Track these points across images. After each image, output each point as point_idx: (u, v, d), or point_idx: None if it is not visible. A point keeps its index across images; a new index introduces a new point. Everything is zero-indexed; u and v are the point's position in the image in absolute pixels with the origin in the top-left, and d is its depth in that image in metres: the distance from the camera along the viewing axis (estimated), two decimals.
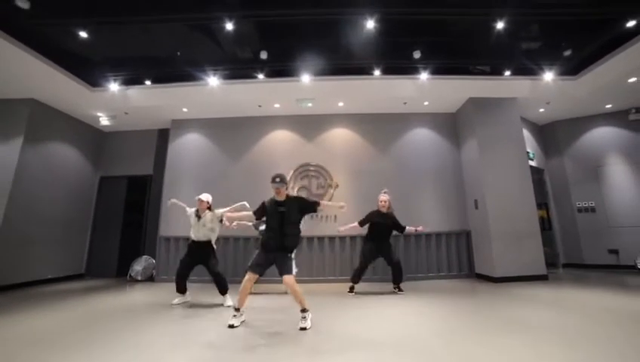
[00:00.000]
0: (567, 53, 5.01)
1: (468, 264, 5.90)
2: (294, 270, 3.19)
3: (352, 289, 4.58)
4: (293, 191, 6.18)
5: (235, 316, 3.00)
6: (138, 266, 6.17)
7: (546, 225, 6.51)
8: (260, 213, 3.16)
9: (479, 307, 3.60)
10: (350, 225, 4.48)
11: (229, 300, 3.84)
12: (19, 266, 5.27)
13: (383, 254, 4.50)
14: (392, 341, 2.50)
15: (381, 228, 4.45)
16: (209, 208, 4.06)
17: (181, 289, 4.01)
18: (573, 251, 6.66)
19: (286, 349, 2.39)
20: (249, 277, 2.98)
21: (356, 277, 4.57)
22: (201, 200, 4.01)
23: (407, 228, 4.49)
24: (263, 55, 4.86)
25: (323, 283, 5.57)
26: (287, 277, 2.95)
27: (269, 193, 6.09)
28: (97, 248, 6.76)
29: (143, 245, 6.68)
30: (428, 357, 2.15)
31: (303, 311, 2.94)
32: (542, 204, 6.54)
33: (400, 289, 4.53)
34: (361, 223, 4.48)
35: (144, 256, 6.34)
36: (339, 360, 2.16)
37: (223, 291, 3.93)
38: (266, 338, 2.62)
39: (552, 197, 7.05)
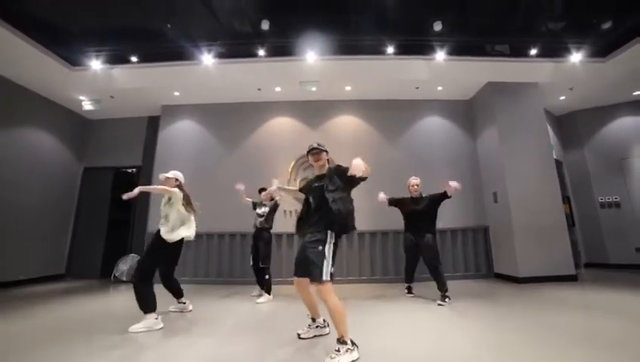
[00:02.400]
0: (605, 26, 4.50)
1: (486, 263, 5.40)
2: (328, 271, 2.05)
3: (409, 290, 4.04)
4: (295, 183, 5.64)
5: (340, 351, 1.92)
6: (124, 265, 5.58)
7: (569, 221, 6.03)
8: (302, 189, 2.63)
9: (512, 313, 3.08)
10: (382, 197, 3.94)
11: (142, 324, 2.68)
12: None
13: (421, 250, 3.78)
14: (428, 354, 1.97)
15: (415, 216, 3.83)
16: (178, 187, 3.12)
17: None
18: (595, 250, 6.19)
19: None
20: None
21: (407, 276, 4.05)
22: (167, 179, 3.12)
23: (449, 188, 3.59)
24: (265, 26, 4.31)
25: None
26: (317, 287, 2.05)
27: (267, 185, 5.56)
28: (80, 246, 6.16)
29: (130, 243, 6.10)
30: None
31: (341, 341, 1.95)
32: (564, 197, 6.06)
33: (443, 299, 3.52)
34: (390, 201, 3.99)
35: (131, 255, 5.75)
36: None
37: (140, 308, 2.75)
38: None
39: (572, 192, 6.58)
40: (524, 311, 3.14)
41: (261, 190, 4.25)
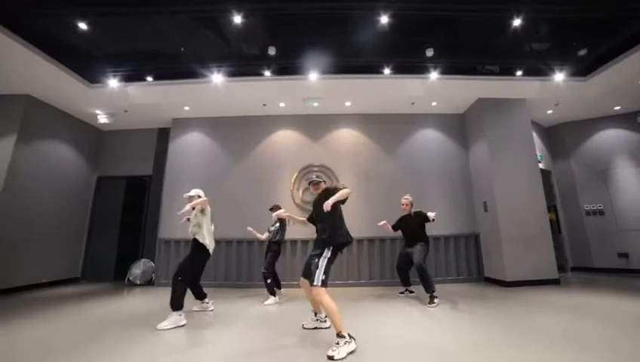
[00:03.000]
0: (581, 53, 4.93)
1: (477, 268, 5.77)
2: (320, 276, 2.48)
3: (402, 291, 4.64)
4: (298, 193, 6.02)
5: (339, 344, 2.28)
6: (137, 270, 5.94)
7: (555, 227, 6.41)
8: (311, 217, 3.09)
9: (497, 314, 3.43)
10: (384, 223, 4.48)
11: (171, 320, 3.07)
12: (11, 269, 5.01)
13: (411, 253, 4.29)
14: (418, 349, 2.33)
15: (408, 231, 4.49)
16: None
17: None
18: (581, 255, 6.57)
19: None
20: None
21: (401, 280, 4.59)
22: (190, 197, 3.56)
23: (428, 213, 4.19)
24: (271, 51, 4.71)
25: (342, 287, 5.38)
26: (312, 289, 2.50)
27: (272, 194, 5.95)
28: (94, 251, 6.51)
29: (141, 248, 6.45)
30: None
31: (339, 335, 2.31)
32: (550, 206, 6.44)
33: (432, 300, 3.85)
34: (393, 227, 4.59)
35: (143, 260, 6.11)
36: None
37: (171, 305, 3.14)
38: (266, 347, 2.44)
39: (560, 200, 6.96)
40: (509, 311, 3.50)
41: (272, 209, 4.66)
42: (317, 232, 2.78)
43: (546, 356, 2.18)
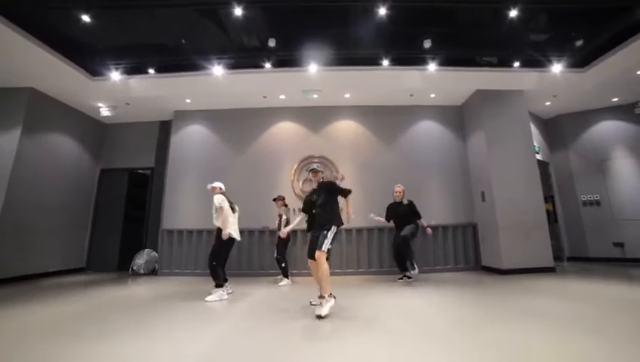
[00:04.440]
0: (578, 43, 4.96)
1: (474, 256, 5.87)
2: (327, 245, 2.96)
3: (401, 277, 4.85)
4: (298, 184, 6.11)
5: (322, 304, 2.86)
6: (140, 260, 6.06)
7: (552, 217, 6.50)
8: (305, 206, 3.38)
9: (491, 297, 3.55)
10: (379, 219, 4.92)
11: (216, 295, 3.69)
12: (18, 259, 5.14)
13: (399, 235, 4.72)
14: (410, 329, 2.44)
15: (398, 217, 4.82)
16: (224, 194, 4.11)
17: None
18: (578, 244, 6.67)
19: (298, 334, 2.32)
20: (310, 263, 3.13)
21: (398, 266, 4.88)
22: (212, 188, 4.12)
23: (422, 221, 4.83)
24: (271, 43, 4.76)
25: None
26: (317, 253, 2.92)
27: (272, 186, 6.05)
28: (98, 241, 6.63)
29: (145, 238, 6.57)
30: (449, 344, 2.09)
31: (322, 296, 2.85)
32: (548, 197, 6.52)
33: (406, 276, 4.74)
34: (386, 218, 4.95)
35: (146, 250, 6.23)
36: (357, 342, 2.10)
37: (216, 284, 3.79)
38: (270, 325, 2.55)
39: (557, 191, 7.04)
40: (501, 295, 3.61)
41: (275, 199, 5.23)
42: (317, 217, 3.15)
43: (532, 334, 2.28)
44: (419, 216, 4.81)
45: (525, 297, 3.49)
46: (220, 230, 3.82)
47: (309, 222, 3.29)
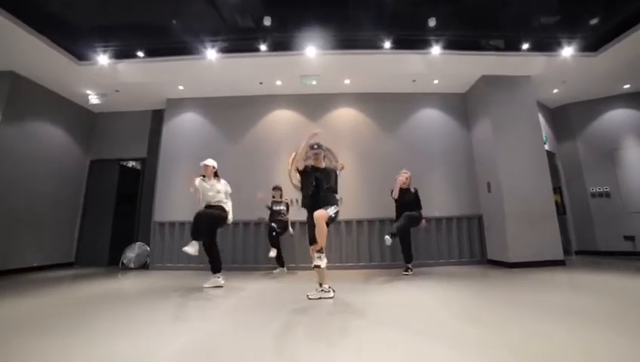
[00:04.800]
0: (593, 22, 4.67)
1: (480, 249, 5.62)
2: (332, 209, 2.98)
3: (406, 269, 4.63)
4: (296, 174, 5.82)
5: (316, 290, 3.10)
6: (131, 253, 5.81)
7: (560, 209, 6.24)
8: (303, 172, 3.26)
9: (500, 292, 3.29)
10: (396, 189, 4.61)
11: (218, 280, 3.82)
12: (2, 253, 4.88)
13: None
14: (420, 326, 2.19)
15: (405, 204, 4.57)
16: (216, 175, 4.10)
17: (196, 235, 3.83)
18: (586, 238, 6.42)
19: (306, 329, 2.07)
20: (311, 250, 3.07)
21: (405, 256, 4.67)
22: (206, 165, 4.03)
23: (422, 212, 4.63)
24: (267, 22, 4.47)
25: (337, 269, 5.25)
26: (318, 211, 2.88)
27: (269, 175, 5.79)
28: (88, 235, 6.37)
29: (136, 231, 6.32)
30: (462, 341, 1.85)
31: (320, 250, 2.86)
32: (555, 188, 6.26)
33: (409, 269, 4.62)
34: (396, 200, 4.68)
35: (137, 243, 5.98)
36: (368, 340, 1.85)
37: (216, 269, 3.86)
38: (268, 321, 2.30)
39: (565, 182, 6.79)
40: (508, 288, 3.36)
41: (275, 188, 5.25)
42: (320, 191, 3.10)
43: (541, 327, 2.03)
44: (420, 207, 4.63)
45: (538, 292, 3.24)
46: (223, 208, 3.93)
47: (311, 196, 3.13)
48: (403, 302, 2.89)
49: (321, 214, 2.87)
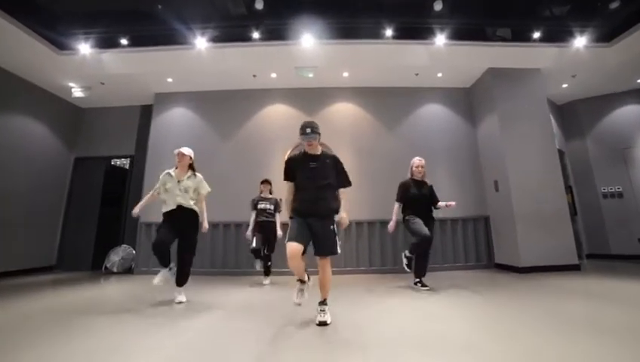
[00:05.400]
0: (613, 5, 4.34)
1: (487, 253, 5.29)
2: (338, 246, 2.33)
3: (421, 284, 3.54)
4: None
5: (301, 291, 2.39)
6: (115, 256, 5.44)
7: (572, 210, 5.92)
8: (288, 174, 2.45)
9: (516, 301, 2.94)
10: (394, 215, 3.63)
11: (184, 295, 3.10)
12: None
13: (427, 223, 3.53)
14: (431, 342, 1.85)
15: (419, 201, 3.54)
16: (192, 167, 3.24)
17: (165, 261, 3.00)
18: (598, 240, 6.09)
19: (304, 344, 1.72)
20: (291, 249, 2.17)
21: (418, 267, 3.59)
22: (181, 154, 3.15)
23: (440, 203, 3.60)
24: (259, 5, 4.14)
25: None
26: (325, 260, 2.31)
27: (263, 173, 5.37)
28: (70, 237, 6.00)
29: (122, 233, 5.95)
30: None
31: (324, 302, 2.32)
32: (567, 187, 5.93)
33: (422, 284, 3.53)
34: (399, 200, 3.63)
35: (123, 246, 5.62)
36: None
37: (181, 282, 3.09)
38: (268, 336, 1.95)
39: (574, 182, 6.46)
40: (527, 298, 3.01)
41: (263, 182, 4.38)
42: (318, 199, 2.32)
43: (573, 346, 1.70)
44: (437, 201, 3.66)
45: (560, 301, 2.90)
46: (196, 216, 3.15)
47: (298, 199, 2.37)
48: (414, 315, 2.54)
49: (325, 263, 2.30)
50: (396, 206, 3.65)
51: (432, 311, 2.59)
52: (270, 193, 4.37)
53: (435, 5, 4.21)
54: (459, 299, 3.03)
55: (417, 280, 3.58)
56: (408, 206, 3.60)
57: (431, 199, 3.63)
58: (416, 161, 3.70)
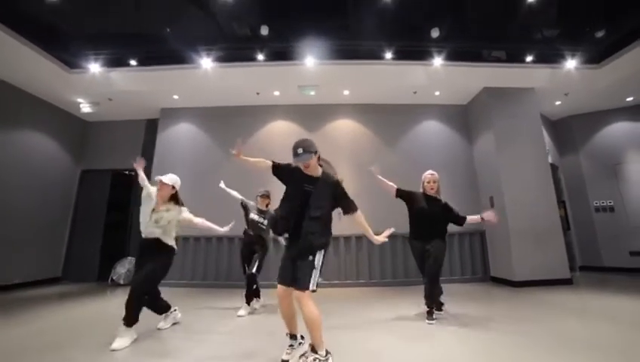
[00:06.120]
0: (599, 34, 4.58)
1: (482, 267, 5.45)
2: (315, 281, 1.93)
3: (430, 315, 3.04)
4: None
5: (290, 346, 2.08)
6: (121, 268, 5.58)
7: (564, 224, 6.10)
8: (279, 171, 2.19)
9: (513, 318, 3.11)
10: (388, 183, 3.30)
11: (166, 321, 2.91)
12: None
13: (428, 251, 3.13)
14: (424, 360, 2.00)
15: (425, 218, 3.17)
16: (175, 198, 2.84)
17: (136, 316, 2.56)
18: (590, 253, 6.26)
19: None
20: (278, 290, 1.98)
21: (427, 298, 3.11)
22: (162, 184, 2.74)
23: (469, 217, 3.22)
24: (264, 31, 4.34)
25: (336, 287, 5.05)
26: (298, 293, 1.90)
27: (265, 188, 5.52)
28: (76, 248, 6.13)
29: (127, 245, 6.08)
30: None
31: (314, 350, 1.89)
32: (559, 202, 6.12)
33: (430, 314, 3.04)
34: (398, 192, 3.30)
35: (129, 258, 5.75)
36: None
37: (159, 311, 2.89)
38: None
39: (567, 196, 6.65)
40: (522, 317, 3.17)
41: (263, 195, 3.90)
42: (303, 228, 1.97)
43: None
44: (461, 218, 3.23)
45: (553, 319, 3.06)
46: (166, 247, 2.74)
47: (284, 224, 2.04)
48: (413, 336, 2.69)
49: (301, 297, 1.87)
50: (392, 184, 3.34)
51: (423, 329, 2.73)
52: (267, 207, 3.85)
53: (432, 32, 4.40)
54: (454, 316, 3.18)
55: (426, 309, 3.10)
56: (412, 222, 3.30)
57: (443, 217, 3.24)
58: (428, 175, 3.31)
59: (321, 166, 2.14)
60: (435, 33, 4.43)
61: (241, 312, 3.36)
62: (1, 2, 3.89)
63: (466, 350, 2.24)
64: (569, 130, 6.79)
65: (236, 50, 4.93)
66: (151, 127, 6.53)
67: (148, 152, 6.37)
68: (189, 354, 2.23)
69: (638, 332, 2.50)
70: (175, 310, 3.03)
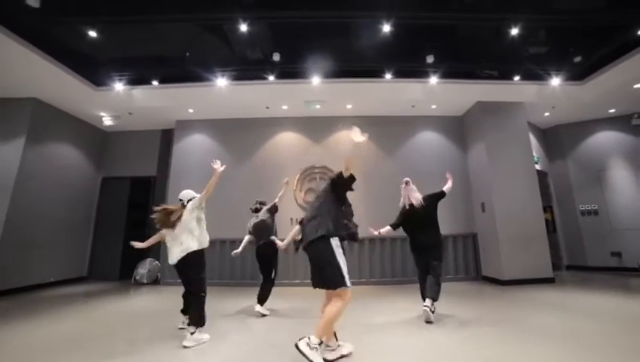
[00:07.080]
0: (577, 59, 5.05)
1: (475, 266, 5.94)
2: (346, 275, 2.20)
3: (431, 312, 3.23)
4: (301, 194, 6.15)
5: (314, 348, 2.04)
6: (142, 269, 6.07)
7: (550, 227, 6.58)
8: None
9: (499, 313, 3.57)
10: (385, 229, 3.61)
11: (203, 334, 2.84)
12: (20, 269, 5.14)
13: (428, 255, 3.45)
14: (418, 351, 2.48)
15: (411, 218, 3.51)
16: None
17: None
18: (576, 253, 6.75)
19: None
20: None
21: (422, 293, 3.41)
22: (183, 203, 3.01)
23: (445, 188, 3.76)
24: (276, 57, 4.80)
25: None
26: (331, 293, 2.27)
27: (274, 195, 6.03)
28: (100, 250, 6.64)
29: (147, 247, 6.55)
30: None
31: (318, 342, 2.06)
32: (546, 206, 6.60)
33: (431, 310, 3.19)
34: (394, 226, 3.61)
35: (148, 259, 6.24)
36: None
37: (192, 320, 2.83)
38: None
39: (556, 201, 7.13)
40: (509, 311, 3.64)
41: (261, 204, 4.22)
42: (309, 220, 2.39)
43: (540, 354, 2.33)
44: (441, 193, 3.72)
45: (534, 313, 3.54)
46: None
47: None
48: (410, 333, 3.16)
49: (341, 295, 2.16)
50: (387, 228, 3.65)
51: (417, 324, 3.21)
52: (258, 211, 4.10)
53: (427, 58, 4.86)
54: (452, 310, 3.66)
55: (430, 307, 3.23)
56: (407, 231, 3.62)
57: (430, 209, 3.59)
58: (402, 189, 3.69)
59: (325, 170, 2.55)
60: (430, 59, 4.88)
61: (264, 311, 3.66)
62: (41, 33, 4.33)
63: (457, 338, 2.72)
64: (557, 138, 7.25)
65: (248, 71, 5.37)
66: (166, 137, 7.01)
67: (164, 160, 6.87)
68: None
69: (607, 324, 2.97)
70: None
